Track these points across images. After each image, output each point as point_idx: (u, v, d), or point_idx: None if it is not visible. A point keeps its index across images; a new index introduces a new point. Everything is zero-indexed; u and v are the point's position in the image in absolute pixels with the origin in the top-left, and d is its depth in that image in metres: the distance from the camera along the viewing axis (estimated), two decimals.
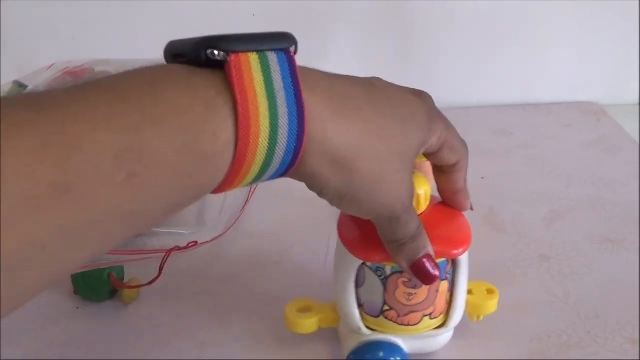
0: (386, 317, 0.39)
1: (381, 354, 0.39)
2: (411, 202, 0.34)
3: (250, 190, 0.56)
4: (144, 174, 0.23)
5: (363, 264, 0.38)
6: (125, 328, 0.46)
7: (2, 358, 0.44)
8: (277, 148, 0.27)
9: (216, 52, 0.26)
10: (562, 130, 0.76)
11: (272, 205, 0.61)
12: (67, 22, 0.75)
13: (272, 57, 0.27)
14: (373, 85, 0.33)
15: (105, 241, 0.24)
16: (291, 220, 0.59)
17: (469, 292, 0.42)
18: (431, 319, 0.40)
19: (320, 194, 0.31)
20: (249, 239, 0.56)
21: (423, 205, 0.38)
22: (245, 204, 0.55)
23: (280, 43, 0.28)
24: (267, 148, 0.27)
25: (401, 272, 0.37)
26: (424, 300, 0.39)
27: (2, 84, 0.53)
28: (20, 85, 0.53)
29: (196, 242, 0.49)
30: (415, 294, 0.38)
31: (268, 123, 0.26)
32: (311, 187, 0.31)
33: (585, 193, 0.62)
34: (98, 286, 0.48)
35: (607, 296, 0.48)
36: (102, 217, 0.23)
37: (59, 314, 0.48)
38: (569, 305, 0.47)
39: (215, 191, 0.28)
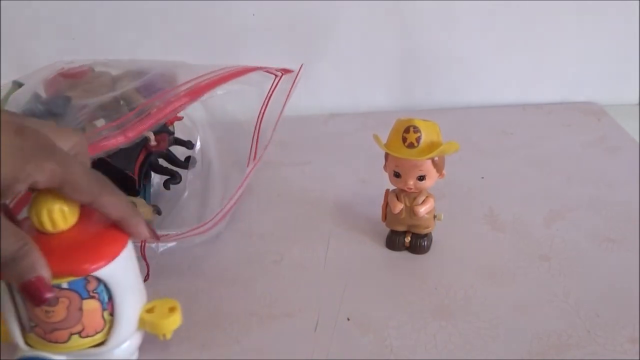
0: (36, 334, 0.39)
1: None
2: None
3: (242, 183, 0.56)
4: None
5: None
6: None
7: (2, 358, 0.44)
8: None
9: None
10: (562, 130, 0.76)
11: (272, 205, 0.61)
12: (67, 22, 0.75)
13: None
14: None
15: None
16: (291, 220, 0.59)
17: (150, 310, 0.41)
18: (82, 337, 0.39)
19: None
20: (249, 239, 0.56)
21: (62, 223, 0.37)
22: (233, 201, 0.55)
23: None
24: None
25: None
26: (64, 319, 0.38)
27: (1, 83, 0.53)
28: (19, 85, 0.53)
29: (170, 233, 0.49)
30: (53, 311, 0.37)
31: None
32: None
33: (585, 193, 0.62)
34: None
35: (607, 296, 0.48)
36: None
37: None
38: (569, 305, 0.47)
39: None
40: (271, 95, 0.58)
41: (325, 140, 0.76)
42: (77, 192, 0.36)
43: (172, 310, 0.41)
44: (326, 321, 0.47)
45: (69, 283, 0.37)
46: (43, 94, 0.52)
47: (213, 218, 0.52)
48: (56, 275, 0.36)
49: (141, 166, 0.55)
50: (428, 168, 0.49)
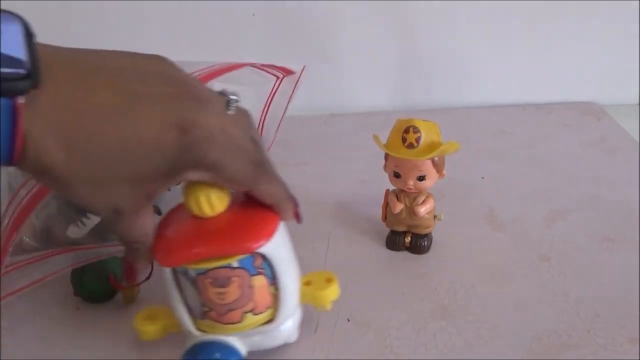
0: (209, 318, 0.40)
1: (217, 355, 0.40)
2: (134, 210, 0.35)
3: None
4: None
5: (173, 268, 0.38)
6: (125, 328, 0.46)
7: (2, 358, 0.44)
8: None
9: None
10: (562, 130, 0.76)
11: None
12: (66, 22, 0.75)
13: None
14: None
15: None
16: (291, 220, 0.59)
17: (307, 283, 0.42)
18: (255, 314, 0.40)
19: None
20: None
21: (219, 206, 0.38)
22: None
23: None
24: None
25: (205, 273, 0.37)
26: (238, 298, 0.39)
27: None
28: None
29: None
30: (226, 292, 0.38)
31: None
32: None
33: (585, 193, 0.62)
34: (98, 287, 0.48)
35: (607, 296, 0.48)
36: None
37: (59, 314, 0.48)
38: (569, 305, 0.47)
39: None
40: (273, 97, 0.58)
41: (325, 140, 0.76)
42: (235, 185, 0.37)
43: (329, 281, 0.43)
44: (326, 321, 0.47)
45: (239, 261, 0.38)
46: None
47: None
48: (225, 255, 0.37)
49: None
50: (428, 168, 0.49)
